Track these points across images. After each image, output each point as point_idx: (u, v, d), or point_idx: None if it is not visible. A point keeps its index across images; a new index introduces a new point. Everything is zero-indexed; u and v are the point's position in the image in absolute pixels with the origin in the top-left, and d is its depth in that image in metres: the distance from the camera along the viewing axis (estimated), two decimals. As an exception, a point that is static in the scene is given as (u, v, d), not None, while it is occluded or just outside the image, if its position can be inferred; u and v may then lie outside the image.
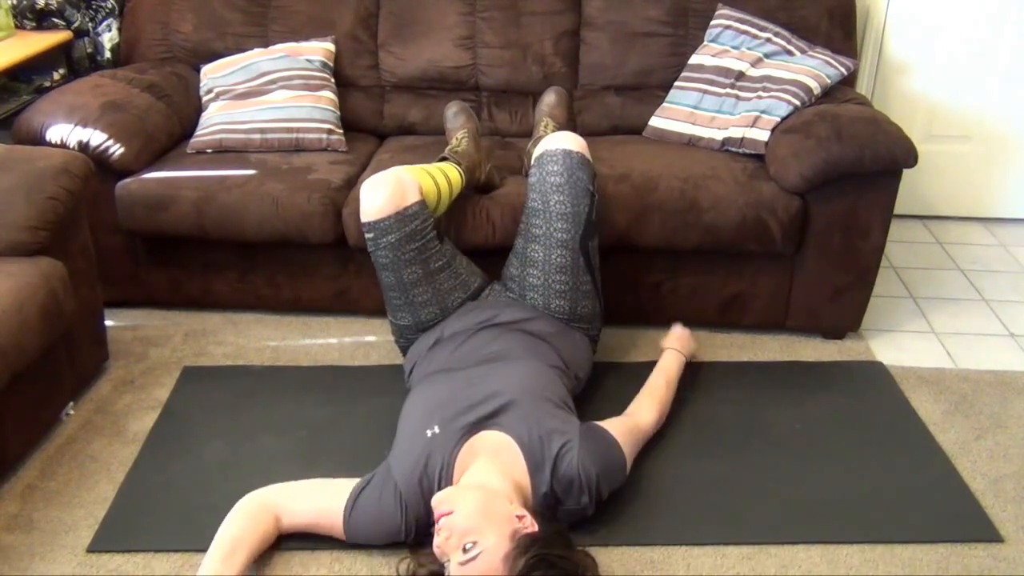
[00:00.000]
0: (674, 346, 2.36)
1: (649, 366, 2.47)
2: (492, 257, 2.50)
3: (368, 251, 2.15)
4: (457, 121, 2.63)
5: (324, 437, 2.17)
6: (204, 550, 1.83)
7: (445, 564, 1.62)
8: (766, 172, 2.52)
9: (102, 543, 1.87)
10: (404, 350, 2.30)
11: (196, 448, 2.14)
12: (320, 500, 1.84)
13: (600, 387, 2.33)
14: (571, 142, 2.18)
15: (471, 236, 2.48)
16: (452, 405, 1.88)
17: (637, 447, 2.01)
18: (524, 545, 1.58)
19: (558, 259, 2.16)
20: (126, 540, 1.87)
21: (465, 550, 1.57)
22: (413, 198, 2.08)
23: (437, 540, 1.63)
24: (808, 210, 2.46)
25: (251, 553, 1.76)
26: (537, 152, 2.23)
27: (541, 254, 2.18)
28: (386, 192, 2.05)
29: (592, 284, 2.24)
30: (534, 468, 1.78)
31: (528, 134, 2.96)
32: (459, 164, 2.40)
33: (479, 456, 1.80)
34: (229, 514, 1.80)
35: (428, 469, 1.79)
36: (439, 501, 1.67)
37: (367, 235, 2.10)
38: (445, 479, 1.78)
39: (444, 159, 2.43)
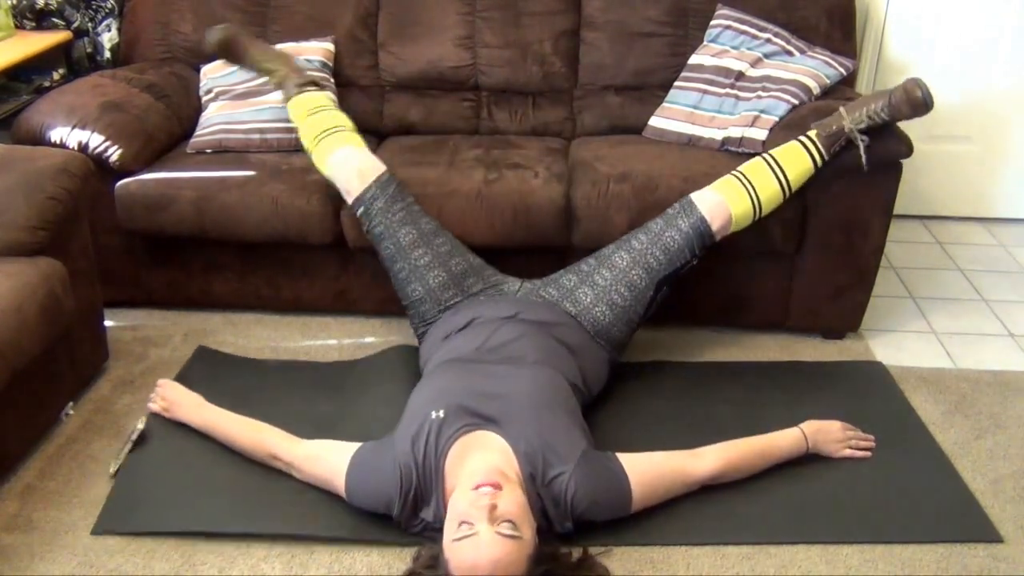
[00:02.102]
0: (804, 428, 2.10)
1: (650, 366, 2.48)
2: (490, 257, 2.51)
3: (365, 231, 2.38)
4: (228, 44, 2.66)
5: (328, 432, 2.16)
6: (204, 536, 1.86)
7: (462, 524, 1.59)
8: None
9: (103, 526, 1.89)
10: (421, 338, 2.32)
11: (200, 439, 2.13)
12: (324, 452, 1.94)
13: (605, 392, 2.31)
14: (716, 215, 2.27)
15: (470, 236, 2.48)
16: (461, 394, 1.89)
17: (667, 491, 1.92)
18: (542, 557, 1.62)
19: (635, 277, 2.24)
20: (126, 525, 1.89)
21: (508, 528, 1.57)
22: (380, 169, 2.39)
23: (479, 501, 1.60)
24: (807, 209, 2.46)
25: (231, 428, 2.07)
26: (696, 196, 2.31)
27: (624, 263, 2.26)
28: (357, 172, 2.38)
29: (639, 320, 2.29)
30: (527, 479, 1.77)
31: (529, 133, 2.96)
32: (303, 84, 2.58)
33: (481, 453, 1.78)
34: (301, 463, 1.97)
35: (425, 449, 1.79)
36: (491, 471, 1.69)
37: (360, 212, 2.37)
38: (436, 463, 1.78)
39: (302, 89, 2.59)
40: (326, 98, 2.59)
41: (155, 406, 2.20)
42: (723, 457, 1.98)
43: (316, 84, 2.63)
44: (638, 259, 2.26)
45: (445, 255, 2.32)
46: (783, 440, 2.06)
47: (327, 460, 1.92)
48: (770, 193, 2.33)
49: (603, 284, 2.26)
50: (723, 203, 2.28)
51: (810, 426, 2.10)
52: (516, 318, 2.16)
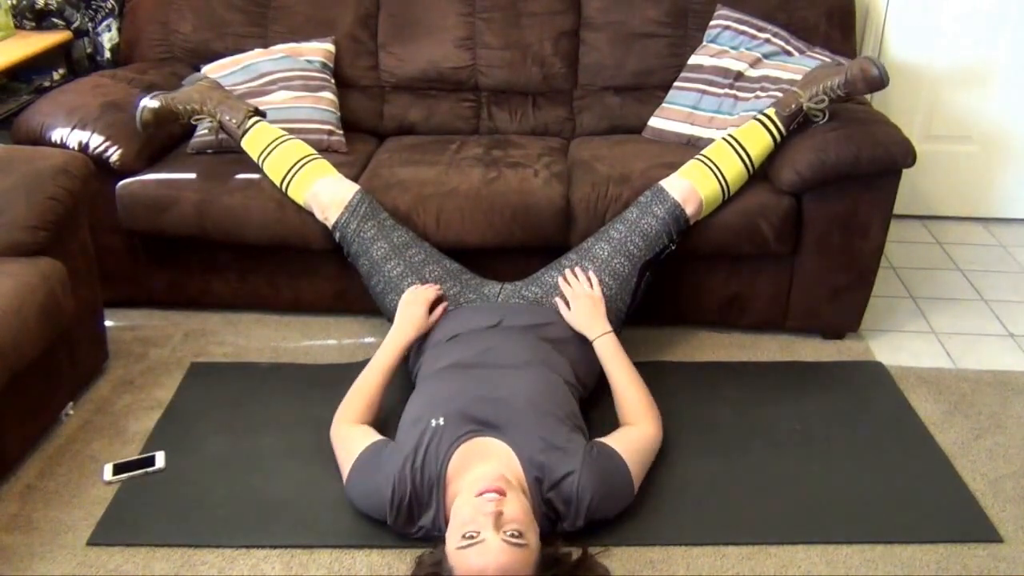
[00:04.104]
0: (590, 330, 2.18)
1: (650, 366, 2.46)
2: (489, 257, 2.51)
3: (345, 254, 2.42)
4: (159, 116, 2.54)
5: (326, 435, 2.16)
6: (204, 545, 1.85)
7: (468, 532, 1.57)
8: (762, 172, 2.52)
9: (102, 536, 1.88)
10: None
11: (199, 443, 2.15)
12: (351, 437, 1.97)
13: (602, 388, 2.31)
14: (689, 200, 2.36)
15: (469, 235, 2.48)
16: (460, 400, 1.89)
17: (648, 463, 1.98)
18: (546, 561, 1.62)
19: (618, 265, 2.29)
20: (127, 534, 1.88)
21: (514, 535, 1.56)
22: (350, 192, 2.41)
23: (484, 507, 1.59)
24: (801, 211, 2.46)
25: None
26: (665, 183, 2.39)
27: (606, 253, 2.31)
28: (332, 202, 2.40)
29: (626, 308, 2.32)
30: (533, 484, 1.77)
31: (529, 133, 2.96)
32: (241, 120, 2.54)
33: (483, 458, 1.78)
34: (335, 435, 2.02)
35: (425, 457, 1.79)
36: (495, 477, 1.68)
37: (338, 237, 2.41)
38: (438, 471, 1.77)
39: (245, 126, 2.53)
40: (274, 128, 2.55)
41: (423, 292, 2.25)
42: (647, 411, 2.04)
43: (257, 112, 2.59)
44: (618, 248, 2.31)
45: (419, 264, 2.33)
46: (614, 352, 2.15)
47: (348, 445, 1.94)
48: (735, 173, 2.41)
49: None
50: (692, 187, 2.37)
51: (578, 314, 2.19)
52: (500, 325, 2.17)
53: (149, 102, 2.50)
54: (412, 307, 2.22)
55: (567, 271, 2.28)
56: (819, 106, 2.42)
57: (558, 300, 2.25)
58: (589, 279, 2.26)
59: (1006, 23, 3.20)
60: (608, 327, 2.18)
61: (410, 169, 2.61)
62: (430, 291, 2.25)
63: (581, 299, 2.21)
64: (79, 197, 2.22)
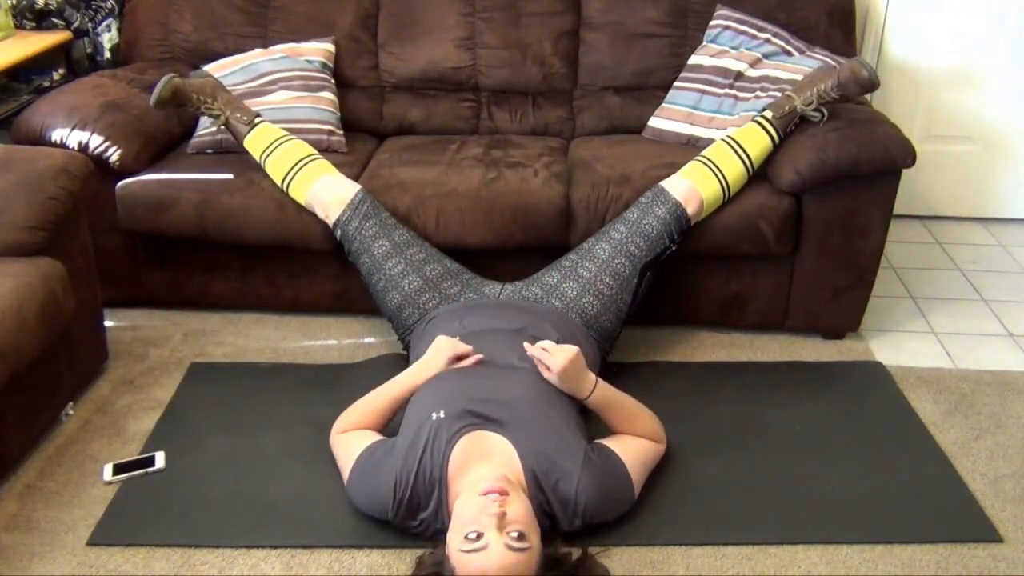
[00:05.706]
0: (580, 390, 1.96)
1: (650, 366, 2.49)
2: (489, 258, 2.51)
3: (346, 252, 2.42)
4: (175, 94, 2.55)
5: (325, 435, 2.16)
6: (204, 546, 1.85)
7: (471, 533, 1.56)
8: (762, 172, 2.52)
9: (102, 536, 1.88)
10: (406, 348, 2.32)
11: (198, 443, 2.15)
12: (351, 440, 1.96)
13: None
14: (690, 200, 2.36)
15: (469, 236, 2.49)
16: (461, 399, 1.88)
17: (648, 469, 1.97)
18: (548, 562, 1.62)
19: (618, 265, 2.30)
20: (127, 534, 1.88)
21: (518, 537, 1.56)
22: (352, 191, 2.43)
23: (488, 508, 1.59)
24: (801, 211, 2.46)
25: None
26: (666, 183, 2.41)
27: (606, 253, 2.32)
28: (333, 200, 2.42)
29: (627, 308, 2.32)
30: (531, 481, 1.77)
31: (528, 133, 2.96)
32: (249, 120, 2.57)
33: (484, 457, 1.78)
34: (334, 441, 2.02)
35: (425, 450, 1.79)
36: (498, 478, 1.68)
37: (339, 235, 2.42)
38: (441, 461, 1.77)
39: (252, 125, 2.57)
40: (277, 128, 2.58)
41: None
42: (649, 420, 2.01)
43: (259, 115, 2.62)
44: (619, 248, 2.31)
45: (419, 263, 2.34)
46: (611, 393, 1.99)
47: (347, 448, 1.94)
48: (736, 173, 2.43)
49: (587, 276, 2.28)
50: (693, 188, 2.38)
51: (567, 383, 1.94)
52: (499, 326, 2.16)
53: (170, 79, 2.51)
54: (440, 355, 2.02)
55: (530, 347, 1.98)
56: (811, 107, 2.45)
57: (538, 366, 1.97)
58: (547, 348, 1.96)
59: (1006, 23, 3.20)
60: (593, 377, 1.97)
61: (410, 169, 2.61)
62: (462, 346, 2.03)
63: (558, 363, 1.92)
64: (79, 197, 2.22)
